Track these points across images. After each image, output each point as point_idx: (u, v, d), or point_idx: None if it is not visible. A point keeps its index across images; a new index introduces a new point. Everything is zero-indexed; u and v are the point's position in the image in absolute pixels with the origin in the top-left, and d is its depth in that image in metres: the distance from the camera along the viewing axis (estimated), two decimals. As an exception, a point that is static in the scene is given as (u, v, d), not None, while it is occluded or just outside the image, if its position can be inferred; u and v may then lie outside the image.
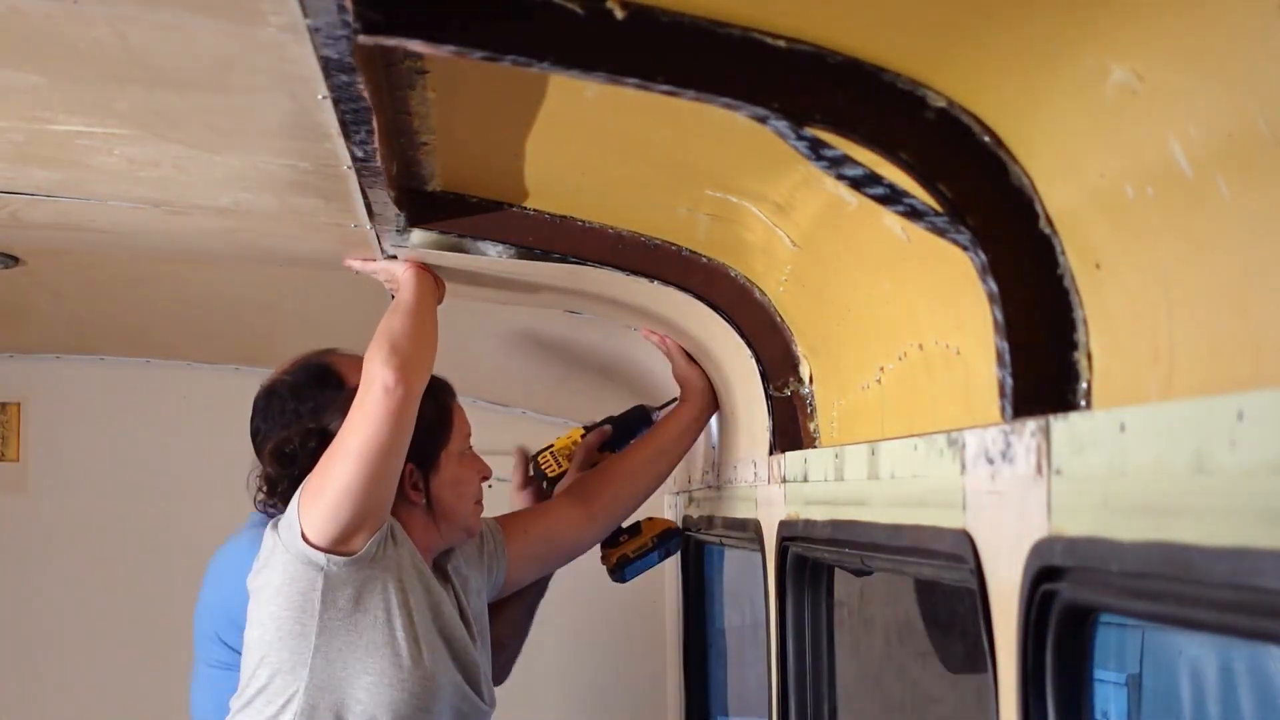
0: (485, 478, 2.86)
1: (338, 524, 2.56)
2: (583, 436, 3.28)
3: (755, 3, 1.50)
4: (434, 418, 2.74)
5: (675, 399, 3.28)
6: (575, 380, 4.39)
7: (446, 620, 2.72)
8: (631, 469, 3.13)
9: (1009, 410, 1.57)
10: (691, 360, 3.17)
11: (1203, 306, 1.26)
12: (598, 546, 3.23)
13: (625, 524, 3.25)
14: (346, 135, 1.96)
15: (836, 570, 2.66)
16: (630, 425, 3.29)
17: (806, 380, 2.65)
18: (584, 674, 4.73)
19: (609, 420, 3.30)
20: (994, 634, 1.62)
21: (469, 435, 2.87)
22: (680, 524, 4.30)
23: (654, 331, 3.18)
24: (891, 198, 1.65)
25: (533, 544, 3.01)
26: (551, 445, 3.28)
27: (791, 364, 2.67)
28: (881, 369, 2.16)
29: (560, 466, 3.25)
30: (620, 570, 3.28)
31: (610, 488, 3.10)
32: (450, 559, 2.84)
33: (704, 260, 2.66)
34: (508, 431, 4.64)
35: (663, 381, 3.87)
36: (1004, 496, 1.57)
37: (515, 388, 4.58)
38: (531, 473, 3.28)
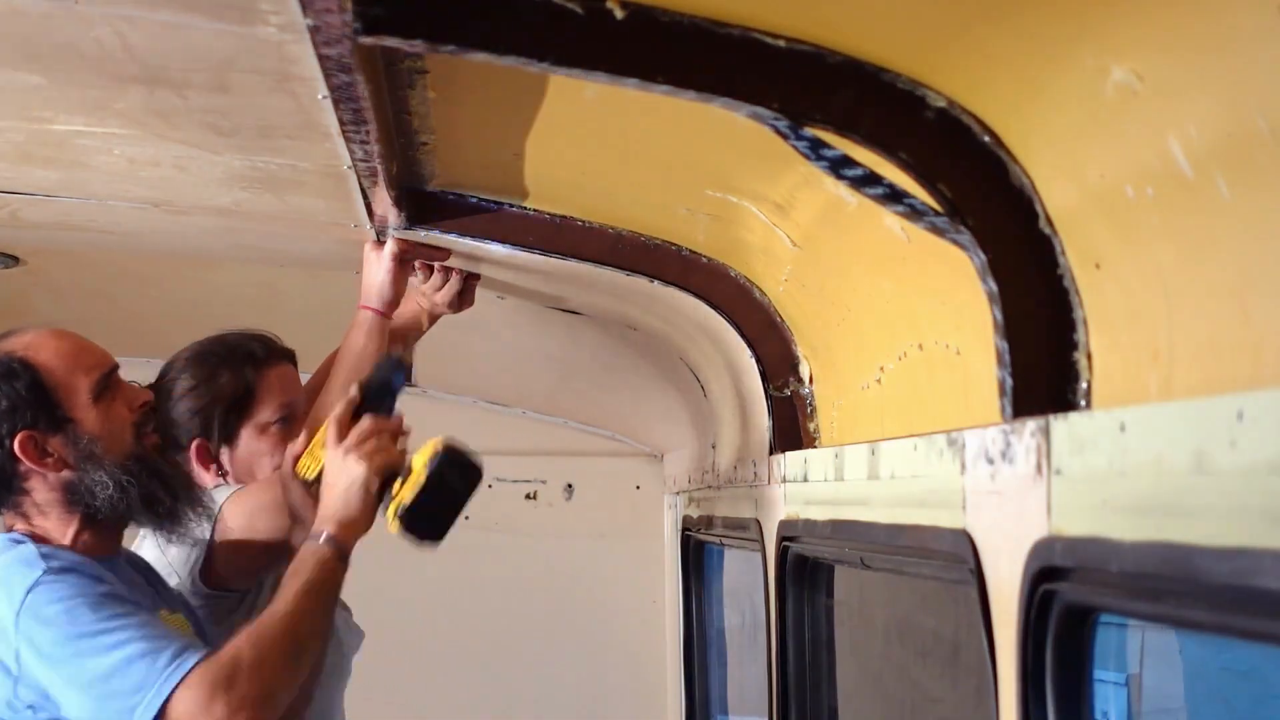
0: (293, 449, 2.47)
1: None
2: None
3: (755, 3, 1.50)
4: (232, 391, 2.60)
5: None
6: (575, 380, 4.39)
7: None
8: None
9: (1009, 410, 1.57)
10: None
11: (1203, 306, 1.26)
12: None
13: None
14: (346, 135, 1.96)
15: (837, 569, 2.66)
16: (385, 380, 2.49)
17: (806, 380, 2.65)
18: (584, 674, 4.73)
19: (358, 385, 2.49)
20: (994, 634, 1.62)
21: (284, 405, 2.61)
22: (683, 525, 4.30)
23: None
24: (891, 198, 1.66)
25: None
26: (309, 445, 2.52)
27: (791, 364, 2.67)
28: (881, 369, 2.16)
29: (320, 461, 2.48)
30: (409, 529, 2.37)
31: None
32: None
33: (704, 260, 2.66)
34: (508, 431, 4.66)
35: (663, 378, 3.86)
36: (1004, 496, 1.57)
37: (515, 388, 4.58)
38: (295, 478, 2.54)
